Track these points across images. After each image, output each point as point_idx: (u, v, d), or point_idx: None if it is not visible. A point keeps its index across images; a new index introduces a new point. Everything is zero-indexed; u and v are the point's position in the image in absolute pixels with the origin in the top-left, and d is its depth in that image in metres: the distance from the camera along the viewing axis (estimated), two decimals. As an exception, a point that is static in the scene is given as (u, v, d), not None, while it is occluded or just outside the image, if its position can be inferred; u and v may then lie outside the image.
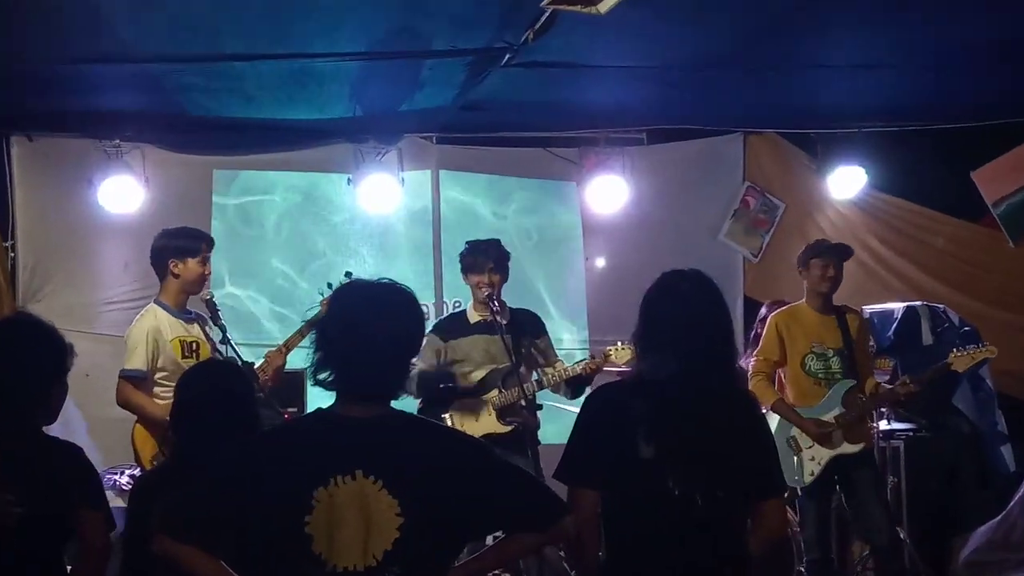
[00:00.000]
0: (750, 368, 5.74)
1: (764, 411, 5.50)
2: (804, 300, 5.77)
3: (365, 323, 2.53)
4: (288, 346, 5.41)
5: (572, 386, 5.55)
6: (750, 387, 5.63)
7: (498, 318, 5.39)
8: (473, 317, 5.66)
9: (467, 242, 5.73)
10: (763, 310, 6.49)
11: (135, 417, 5.17)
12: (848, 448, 5.55)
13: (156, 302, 5.23)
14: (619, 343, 5.42)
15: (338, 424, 2.54)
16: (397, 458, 2.51)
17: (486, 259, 5.53)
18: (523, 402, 5.38)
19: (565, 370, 5.51)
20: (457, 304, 6.93)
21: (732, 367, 3.14)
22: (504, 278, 5.57)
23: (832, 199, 7.59)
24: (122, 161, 6.73)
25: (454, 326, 5.66)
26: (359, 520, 2.46)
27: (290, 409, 5.71)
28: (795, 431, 5.61)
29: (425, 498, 2.49)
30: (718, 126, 7.48)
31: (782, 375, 5.82)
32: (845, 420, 5.55)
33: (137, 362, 5.12)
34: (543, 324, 5.77)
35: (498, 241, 5.67)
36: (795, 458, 5.55)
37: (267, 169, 7.25)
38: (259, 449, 2.59)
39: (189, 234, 5.31)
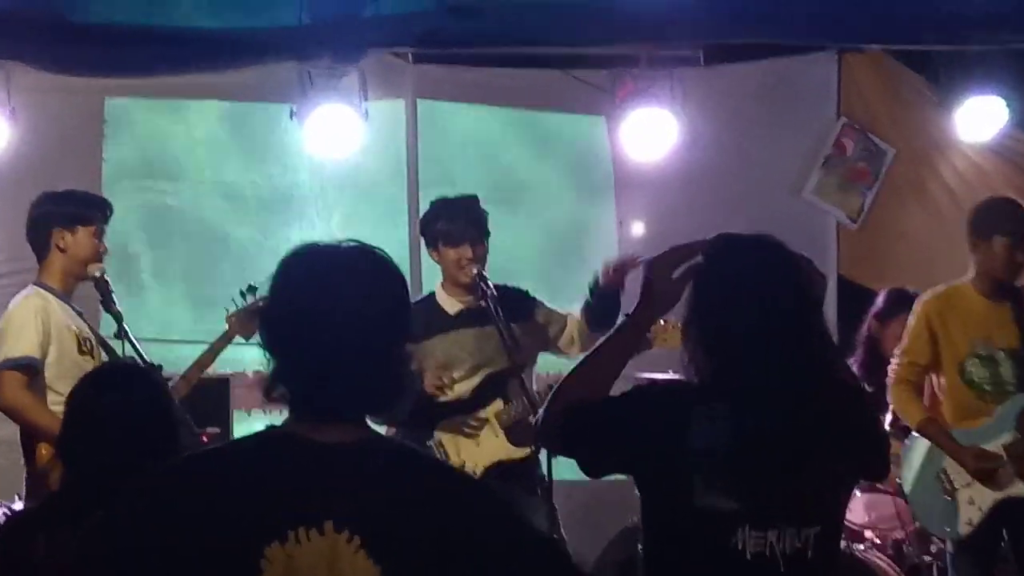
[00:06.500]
0: (891, 374, 5.77)
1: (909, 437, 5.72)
2: (969, 278, 5.74)
3: (329, 306, 2.46)
4: (189, 379, 5.62)
5: (595, 313, 5.56)
6: (889, 400, 5.70)
7: (491, 303, 5.46)
8: (451, 305, 5.73)
9: (434, 202, 5.81)
10: (879, 300, 6.55)
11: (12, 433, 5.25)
12: (1022, 489, 5.55)
13: (37, 284, 5.36)
14: (664, 321, 5.36)
15: (300, 452, 2.47)
16: (384, 506, 2.46)
17: (468, 224, 5.58)
18: (534, 418, 5.35)
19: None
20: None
21: (833, 374, 3.16)
22: (487, 248, 5.65)
23: (960, 142, 7.59)
24: (-24, 85, 6.82)
25: (426, 319, 5.60)
26: (326, 592, 2.41)
27: (210, 429, 5.82)
28: (948, 463, 5.64)
29: (420, 567, 2.46)
30: (803, 40, 7.44)
31: (935, 384, 5.83)
32: (1019, 450, 5.53)
33: (26, 346, 5.16)
34: (531, 298, 5.86)
35: (476, 198, 5.73)
36: (947, 500, 5.61)
37: (178, 97, 7.27)
38: (182, 485, 2.50)
39: (81, 198, 5.53)
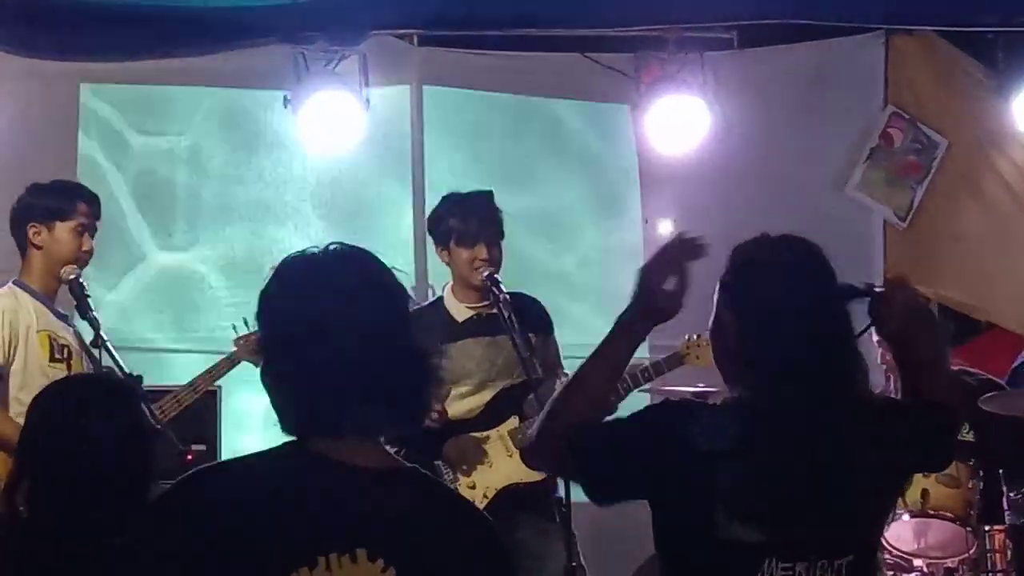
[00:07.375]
0: None
1: None
2: None
3: (316, 318, 2.51)
4: (181, 400, 5.71)
5: None
6: None
7: (504, 310, 5.38)
8: (460, 311, 5.66)
9: (446, 198, 5.79)
10: None
11: None
12: None
13: (15, 283, 5.35)
14: (697, 335, 5.54)
15: (330, 474, 2.50)
16: (417, 538, 2.50)
17: (484, 223, 5.55)
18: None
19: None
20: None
21: (854, 393, 3.05)
22: (503, 251, 5.64)
23: (1020, 134, 7.45)
24: (-59, 71, 6.84)
25: (432, 326, 5.49)
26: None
27: (195, 447, 5.74)
28: None
29: None
30: (847, 21, 7.39)
31: None
32: None
33: None
34: (550, 318, 5.82)
35: (491, 194, 5.72)
36: None
37: (160, 83, 7.22)
38: (206, 500, 2.48)
39: (61, 190, 5.48)
